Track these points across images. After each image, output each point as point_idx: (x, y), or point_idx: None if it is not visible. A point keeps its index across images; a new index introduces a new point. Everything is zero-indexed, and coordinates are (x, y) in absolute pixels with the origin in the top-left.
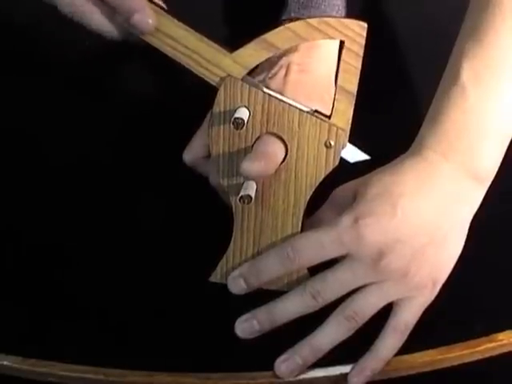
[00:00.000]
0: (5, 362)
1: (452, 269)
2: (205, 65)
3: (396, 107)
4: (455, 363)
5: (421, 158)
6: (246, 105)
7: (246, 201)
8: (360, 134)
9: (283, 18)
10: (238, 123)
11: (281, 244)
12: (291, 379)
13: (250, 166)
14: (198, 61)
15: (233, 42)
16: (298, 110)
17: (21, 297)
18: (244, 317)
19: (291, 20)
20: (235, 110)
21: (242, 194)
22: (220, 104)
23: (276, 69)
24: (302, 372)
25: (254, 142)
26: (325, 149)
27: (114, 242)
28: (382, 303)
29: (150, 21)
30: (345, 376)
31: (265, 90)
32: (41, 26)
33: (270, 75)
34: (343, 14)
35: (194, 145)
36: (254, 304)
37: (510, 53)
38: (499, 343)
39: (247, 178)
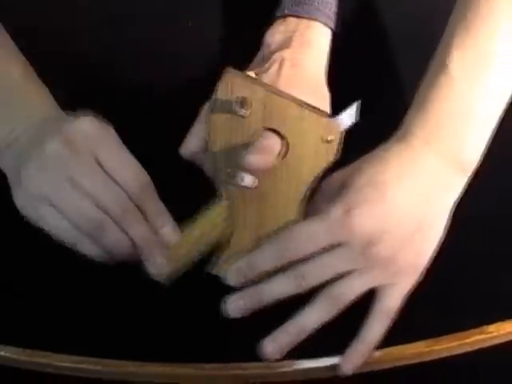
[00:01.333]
0: (3, 353)
1: (442, 261)
2: None
3: (386, 105)
4: (443, 355)
5: (405, 145)
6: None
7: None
8: (352, 128)
9: (277, 14)
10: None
11: (274, 237)
12: (284, 369)
13: (252, 158)
14: None
15: (226, 37)
16: (297, 106)
17: (20, 288)
18: (232, 297)
19: (285, 17)
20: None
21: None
22: (218, 100)
23: (269, 64)
24: (294, 363)
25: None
26: (324, 144)
27: None
28: (365, 288)
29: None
30: (336, 367)
31: (264, 85)
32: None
33: (263, 70)
34: (335, 11)
35: (191, 138)
36: None
37: (497, 42)
38: (489, 335)
39: (248, 171)
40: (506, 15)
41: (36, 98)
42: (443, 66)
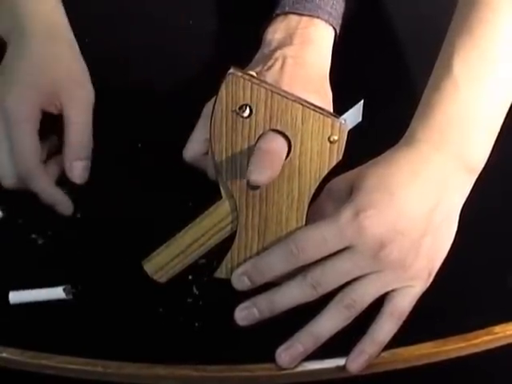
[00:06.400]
0: (4, 354)
1: (449, 262)
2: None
3: (392, 106)
4: (451, 356)
5: (413, 149)
6: (249, 102)
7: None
8: (356, 128)
9: (277, 12)
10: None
11: (283, 241)
12: (289, 371)
13: (257, 177)
14: None
15: (227, 35)
16: (301, 106)
17: (20, 289)
18: (244, 305)
19: (285, 14)
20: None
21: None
22: (222, 102)
23: (271, 62)
24: (300, 364)
25: (257, 140)
26: (328, 144)
27: (113, 235)
28: (380, 292)
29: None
30: (341, 368)
31: (267, 86)
32: None
33: (265, 68)
34: (340, 10)
35: (193, 142)
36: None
37: (500, 44)
38: (495, 336)
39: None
40: (508, 17)
41: None
42: (447, 69)
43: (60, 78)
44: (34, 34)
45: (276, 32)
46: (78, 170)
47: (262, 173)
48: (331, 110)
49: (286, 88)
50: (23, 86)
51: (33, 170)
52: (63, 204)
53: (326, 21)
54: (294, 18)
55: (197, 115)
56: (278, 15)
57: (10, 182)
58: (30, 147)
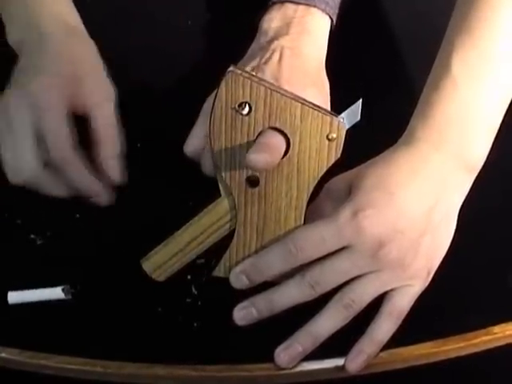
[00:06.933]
0: (3, 354)
1: (448, 261)
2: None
3: (391, 103)
4: (451, 356)
5: (413, 148)
6: (248, 100)
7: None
8: (355, 127)
9: (274, 0)
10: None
11: (282, 240)
12: (288, 371)
13: (256, 157)
14: None
15: (225, 33)
16: (299, 104)
17: (19, 289)
18: (242, 304)
19: (282, 3)
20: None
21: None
22: (222, 99)
23: (269, 53)
24: (299, 364)
25: (256, 138)
26: (327, 142)
27: (112, 234)
28: (378, 292)
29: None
30: (340, 368)
31: (266, 84)
32: None
33: (263, 60)
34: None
35: (193, 137)
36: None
37: (499, 43)
38: (494, 336)
39: (253, 170)
40: (507, 16)
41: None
42: (446, 68)
43: (84, 75)
44: (53, 34)
45: (272, 21)
46: (116, 168)
47: (260, 155)
48: (329, 100)
49: (284, 81)
50: (48, 74)
51: (68, 156)
52: (101, 194)
53: (323, 10)
54: (290, 7)
55: (196, 115)
56: (274, 3)
57: (28, 174)
58: (63, 133)
